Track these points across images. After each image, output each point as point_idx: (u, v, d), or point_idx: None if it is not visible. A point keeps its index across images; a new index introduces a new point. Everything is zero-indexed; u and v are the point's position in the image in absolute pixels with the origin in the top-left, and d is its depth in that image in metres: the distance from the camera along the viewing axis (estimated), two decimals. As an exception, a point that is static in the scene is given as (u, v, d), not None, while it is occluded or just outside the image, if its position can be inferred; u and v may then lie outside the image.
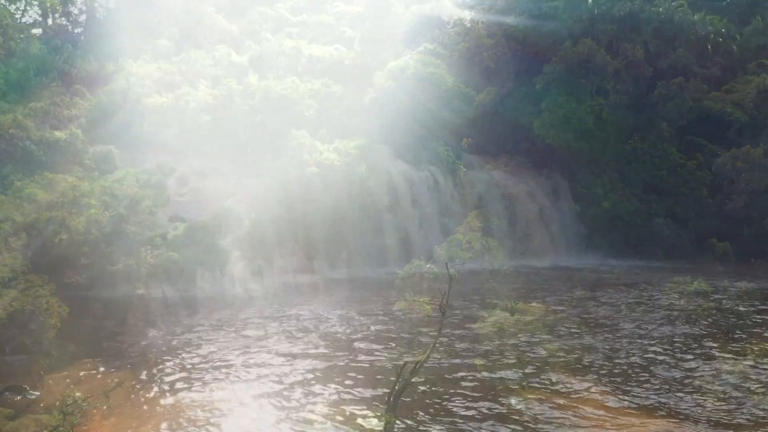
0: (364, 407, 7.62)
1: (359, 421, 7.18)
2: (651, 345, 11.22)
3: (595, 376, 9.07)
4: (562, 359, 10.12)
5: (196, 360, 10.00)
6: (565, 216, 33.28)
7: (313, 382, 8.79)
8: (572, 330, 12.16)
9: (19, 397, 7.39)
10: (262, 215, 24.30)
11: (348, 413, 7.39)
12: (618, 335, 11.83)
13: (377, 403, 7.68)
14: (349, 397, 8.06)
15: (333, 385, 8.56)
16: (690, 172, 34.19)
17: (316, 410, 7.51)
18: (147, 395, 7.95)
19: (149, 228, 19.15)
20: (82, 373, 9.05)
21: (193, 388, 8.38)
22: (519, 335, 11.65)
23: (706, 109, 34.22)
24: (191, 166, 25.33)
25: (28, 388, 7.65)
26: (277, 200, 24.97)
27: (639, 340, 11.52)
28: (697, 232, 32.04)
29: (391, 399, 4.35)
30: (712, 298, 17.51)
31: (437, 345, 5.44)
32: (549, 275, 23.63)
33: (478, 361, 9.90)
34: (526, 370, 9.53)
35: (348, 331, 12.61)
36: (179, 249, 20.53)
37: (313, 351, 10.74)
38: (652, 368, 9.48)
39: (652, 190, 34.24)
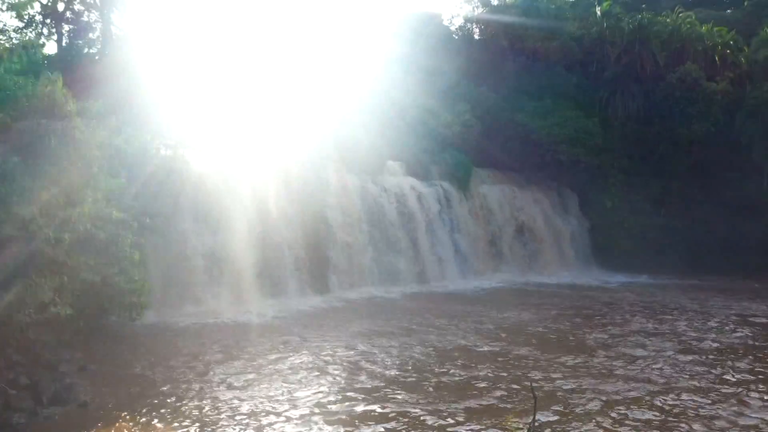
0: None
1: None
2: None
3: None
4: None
5: (246, 406, 10.00)
6: (575, 231, 33.37)
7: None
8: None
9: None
10: (275, 232, 24.26)
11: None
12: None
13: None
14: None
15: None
16: (701, 185, 34.34)
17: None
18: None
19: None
20: (131, 427, 9.04)
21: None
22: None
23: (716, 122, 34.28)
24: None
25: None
26: (291, 218, 24.98)
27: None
28: (710, 247, 32.17)
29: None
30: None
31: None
32: (569, 296, 23.54)
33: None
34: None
35: (403, 364, 12.64)
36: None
37: (385, 387, 10.75)
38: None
39: (663, 204, 34.38)
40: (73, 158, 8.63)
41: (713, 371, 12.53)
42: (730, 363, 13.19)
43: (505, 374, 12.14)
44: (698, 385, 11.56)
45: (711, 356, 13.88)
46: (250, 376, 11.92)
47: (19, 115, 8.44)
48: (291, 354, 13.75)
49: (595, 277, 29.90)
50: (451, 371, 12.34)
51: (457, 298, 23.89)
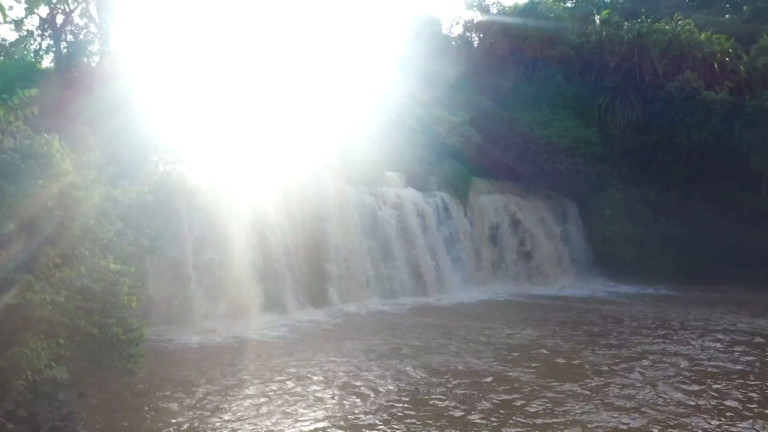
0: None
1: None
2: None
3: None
4: None
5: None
6: (575, 240, 33.37)
7: None
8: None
9: None
10: (273, 245, 24.14)
11: None
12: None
13: None
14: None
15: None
16: (700, 193, 34.41)
17: None
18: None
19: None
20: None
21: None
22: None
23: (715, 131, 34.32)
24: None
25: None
26: (289, 230, 24.88)
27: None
28: (711, 256, 32.22)
29: None
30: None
31: None
32: (569, 309, 23.36)
33: None
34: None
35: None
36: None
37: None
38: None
39: (663, 213, 34.39)
40: (72, 216, 8.58)
41: (716, 401, 12.18)
42: (735, 392, 12.92)
43: (504, 412, 11.80)
44: (702, 419, 11.27)
45: (715, 384, 13.35)
46: (247, 405, 11.86)
47: (15, 177, 8.37)
48: (286, 378, 13.60)
49: (595, 288, 29.83)
50: (446, 405, 11.88)
51: (457, 311, 23.76)
